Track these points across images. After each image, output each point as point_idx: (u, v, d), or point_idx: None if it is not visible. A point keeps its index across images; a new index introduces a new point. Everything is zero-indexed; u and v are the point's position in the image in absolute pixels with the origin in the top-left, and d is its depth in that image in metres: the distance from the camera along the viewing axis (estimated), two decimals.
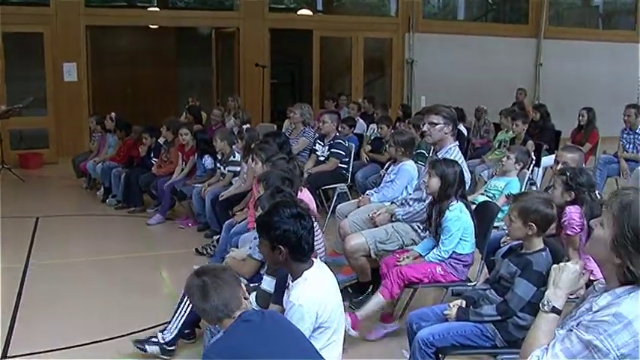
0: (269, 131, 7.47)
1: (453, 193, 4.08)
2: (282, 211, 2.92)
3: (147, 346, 3.99)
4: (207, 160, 7.25)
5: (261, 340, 2.38)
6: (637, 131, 8.08)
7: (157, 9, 13.14)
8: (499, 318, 3.18)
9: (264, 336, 2.41)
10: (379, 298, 4.09)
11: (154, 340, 4.02)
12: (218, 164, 7.05)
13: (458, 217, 4.04)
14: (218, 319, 2.52)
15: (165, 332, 4.03)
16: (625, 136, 8.24)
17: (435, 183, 4.12)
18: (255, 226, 3.53)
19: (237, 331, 2.43)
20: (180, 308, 3.98)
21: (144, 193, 7.97)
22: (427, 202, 4.42)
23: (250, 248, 4.05)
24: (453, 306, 3.33)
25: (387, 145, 6.09)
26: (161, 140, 7.98)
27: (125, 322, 4.50)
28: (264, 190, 4.14)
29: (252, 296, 3.41)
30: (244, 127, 8.25)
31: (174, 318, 4.02)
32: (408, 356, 3.46)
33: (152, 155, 8.06)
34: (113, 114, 8.95)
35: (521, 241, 3.31)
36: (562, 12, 15.79)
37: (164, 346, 3.99)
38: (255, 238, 3.99)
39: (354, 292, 4.87)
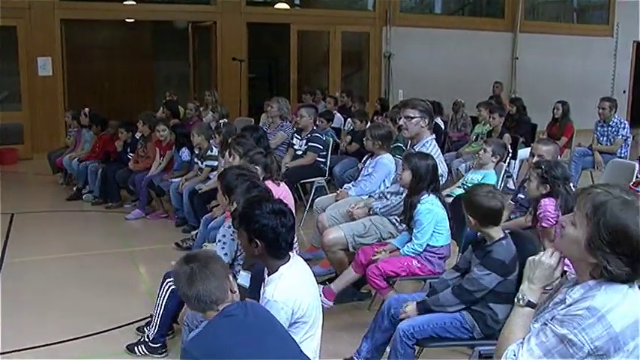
0: (246, 125, 7.44)
1: (424, 187, 4.10)
2: (264, 205, 2.91)
3: (135, 348, 4.02)
4: (185, 153, 7.22)
5: (244, 338, 2.36)
6: (611, 124, 8.18)
7: (133, 2, 12.99)
8: (459, 301, 3.21)
9: (247, 333, 2.39)
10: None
11: (140, 340, 4.06)
12: (196, 159, 7.02)
13: (429, 209, 4.05)
14: (202, 309, 2.50)
15: (149, 328, 4.04)
16: (599, 128, 8.33)
17: (408, 176, 4.14)
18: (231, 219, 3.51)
19: (219, 326, 2.41)
20: (157, 301, 3.96)
21: (121, 188, 7.91)
22: (404, 195, 4.43)
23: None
24: (406, 305, 3.36)
25: (364, 139, 6.08)
26: (137, 135, 7.92)
27: (103, 320, 4.47)
28: (221, 188, 4.07)
29: None
30: (222, 121, 8.21)
31: (155, 311, 4.00)
32: None
33: (128, 150, 8.00)
34: (87, 109, 8.88)
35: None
36: (537, 6, 15.96)
37: (150, 343, 4.00)
38: (218, 241, 3.95)
39: None
